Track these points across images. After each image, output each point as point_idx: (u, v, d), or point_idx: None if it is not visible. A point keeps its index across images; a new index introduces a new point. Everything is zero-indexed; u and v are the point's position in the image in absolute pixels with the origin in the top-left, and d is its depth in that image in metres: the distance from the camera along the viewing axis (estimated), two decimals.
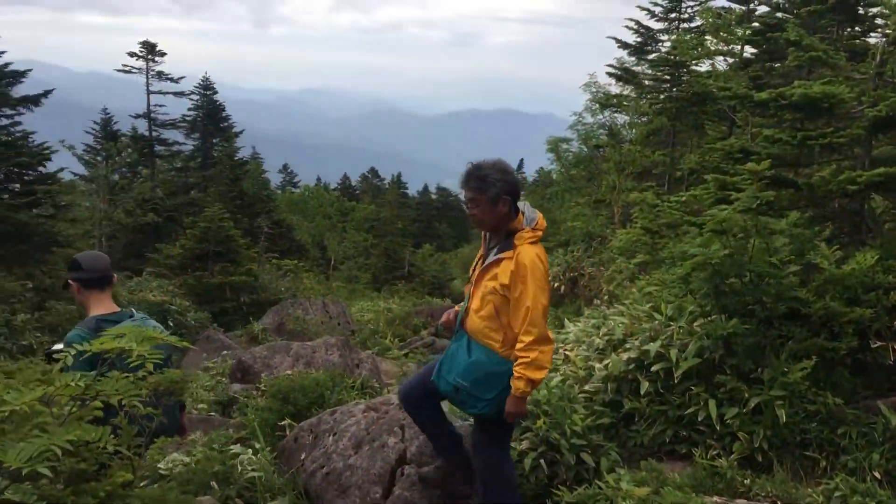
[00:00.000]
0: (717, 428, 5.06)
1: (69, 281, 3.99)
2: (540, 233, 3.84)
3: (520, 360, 3.68)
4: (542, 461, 4.77)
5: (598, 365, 6.00)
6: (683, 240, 6.91)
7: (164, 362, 3.64)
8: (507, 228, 3.83)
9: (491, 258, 3.82)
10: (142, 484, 4.23)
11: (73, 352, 2.76)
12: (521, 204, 3.88)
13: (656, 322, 6.07)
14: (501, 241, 3.84)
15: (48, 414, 2.33)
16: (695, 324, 5.70)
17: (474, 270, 3.99)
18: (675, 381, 5.41)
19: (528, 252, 3.71)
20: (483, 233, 4.01)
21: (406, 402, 4.37)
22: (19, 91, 18.69)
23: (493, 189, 3.73)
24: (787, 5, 13.36)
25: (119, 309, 4.00)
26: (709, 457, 4.83)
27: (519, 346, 3.69)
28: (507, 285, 3.70)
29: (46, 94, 19.26)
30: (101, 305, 3.95)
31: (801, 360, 5.13)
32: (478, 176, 3.79)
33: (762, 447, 4.91)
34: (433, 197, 61.27)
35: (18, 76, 18.74)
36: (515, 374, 3.69)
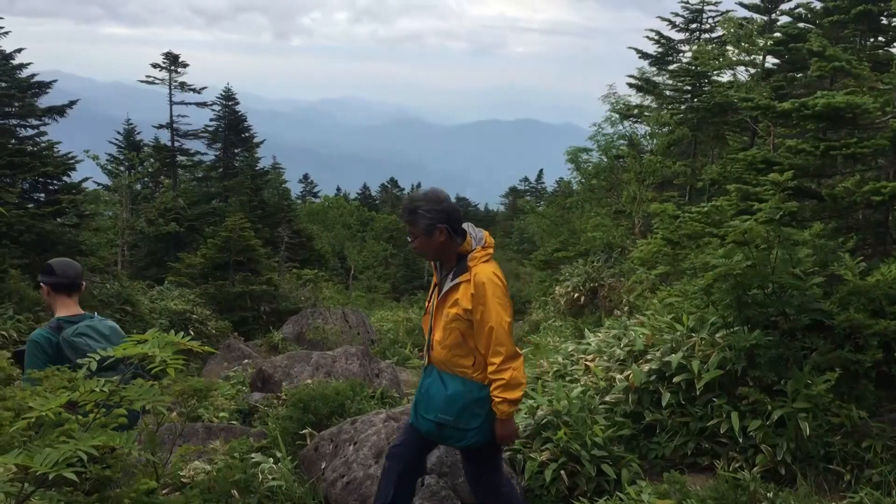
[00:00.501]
0: (740, 440, 5.02)
1: (41, 284, 4.36)
2: (491, 250, 3.80)
3: (496, 384, 3.62)
4: (562, 472, 4.76)
5: (618, 376, 5.97)
6: (705, 251, 6.87)
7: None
8: (455, 253, 3.78)
9: (448, 285, 3.76)
10: (164, 492, 4.26)
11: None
12: (465, 226, 3.83)
13: (678, 333, 6.04)
14: (454, 266, 3.79)
15: (74, 420, 2.36)
16: (717, 335, 5.67)
17: (430, 301, 3.93)
18: (697, 393, 5.38)
19: (484, 271, 3.67)
20: (433, 263, 3.94)
21: (395, 457, 4.05)
22: (45, 102, 18.94)
23: (424, 220, 3.71)
24: (809, 16, 13.30)
25: (83, 312, 4.33)
26: (731, 469, 4.79)
27: (491, 368, 3.63)
28: (469, 309, 3.65)
29: (71, 104, 19.49)
30: (66, 308, 4.28)
31: (824, 373, 5.08)
32: (409, 209, 3.78)
33: (785, 460, 4.87)
34: None
35: (44, 87, 18.99)
36: (495, 398, 3.63)
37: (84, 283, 4.46)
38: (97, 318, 4.32)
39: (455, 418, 3.73)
